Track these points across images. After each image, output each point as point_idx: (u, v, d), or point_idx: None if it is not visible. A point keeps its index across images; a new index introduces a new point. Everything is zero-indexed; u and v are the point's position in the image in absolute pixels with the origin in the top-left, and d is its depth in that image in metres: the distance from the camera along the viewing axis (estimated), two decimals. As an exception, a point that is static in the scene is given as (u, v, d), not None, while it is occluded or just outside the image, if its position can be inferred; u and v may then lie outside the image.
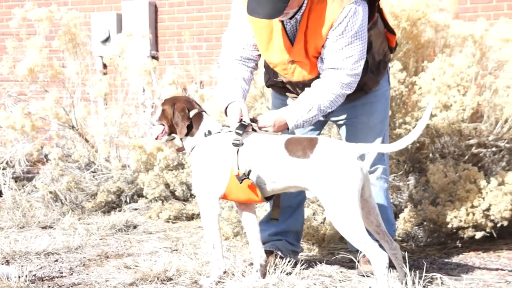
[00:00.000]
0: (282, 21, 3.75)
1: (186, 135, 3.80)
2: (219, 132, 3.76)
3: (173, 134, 3.88)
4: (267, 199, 3.72)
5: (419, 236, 4.80)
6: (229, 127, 3.79)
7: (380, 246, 3.58)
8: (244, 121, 3.70)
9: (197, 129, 3.79)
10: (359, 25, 3.64)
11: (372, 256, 3.38)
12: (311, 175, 3.51)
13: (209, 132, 3.76)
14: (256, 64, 3.97)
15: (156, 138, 3.90)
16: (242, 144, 3.64)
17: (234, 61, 3.89)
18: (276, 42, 3.80)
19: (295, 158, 3.54)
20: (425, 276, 3.65)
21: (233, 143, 3.63)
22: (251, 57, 3.91)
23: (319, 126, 4.18)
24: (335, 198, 3.43)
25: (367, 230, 3.54)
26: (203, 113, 3.84)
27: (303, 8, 3.68)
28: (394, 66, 4.97)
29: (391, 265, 3.68)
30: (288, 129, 3.74)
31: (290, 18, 3.71)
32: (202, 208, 3.74)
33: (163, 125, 3.86)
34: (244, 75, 3.88)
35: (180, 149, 3.91)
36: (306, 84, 3.87)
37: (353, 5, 3.62)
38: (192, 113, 3.81)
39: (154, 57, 7.78)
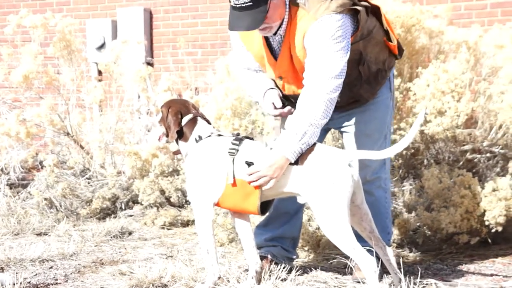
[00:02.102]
0: (267, 39, 3.77)
1: (181, 139, 3.81)
2: (209, 136, 3.76)
3: None
4: (262, 211, 3.71)
5: (414, 242, 4.80)
6: (219, 131, 3.83)
7: (369, 251, 3.58)
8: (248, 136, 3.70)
9: (190, 134, 3.79)
10: (335, 29, 3.58)
11: (361, 262, 3.40)
12: (302, 181, 3.53)
13: (200, 137, 3.76)
14: None
15: (158, 140, 3.93)
16: (237, 151, 3.64)
17: (252, 72, 3.94)
18: (266, 60, 3.84)
19: (290, 165, 3.55)
20: (420, 281, 3.65)
21: (229, 152, 3.64)
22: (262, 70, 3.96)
23: (322, 133, 4.18)
24: (325, 204, 3.45)
25: (361, 236, 3.55)
26: (198, 117, 3.84)
27: (284, 23, 3.69)
28: (389, 73, 4.98)
29: (386, 271, 3.69)
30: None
31: (275, 34, 3.73)
32: (196, 214, 3.74)
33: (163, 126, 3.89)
34: (267, 77, 3.91)
35: (176, 153, 3.91)
36: (298, 97, 3.87)
37: (327, 16, 3.59)
38: (186, 118, 3.81)
39: (149, 64, 7.77)
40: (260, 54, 3.85)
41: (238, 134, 3.78)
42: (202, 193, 3.69)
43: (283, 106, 3.78)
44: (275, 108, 3.77)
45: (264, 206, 3.72)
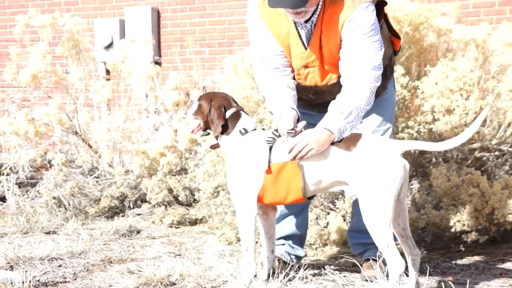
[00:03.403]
0: (296, 27, 3.76)
1: (222, 133, 3.77)
2: (255, 129, 3.72)
3: (208, 130, 3.84)
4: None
5: (422, 240, 4.79)
6: (264, 129, 3.80)
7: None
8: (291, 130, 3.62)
9: (233, 128, 3.75)
10: (373, 19, 3.64)
11: (391, 261, 3.37)
12: (353, 169, 3.46)
13: (245, 130, 3.72)
14: (293, 70, 3.91)
15: (192, 132, 3.90)
16: (275, 140, 3.60)
17: (272, 75, 3.84)
18: (292, 48, 3.81)
19: (338, 150, 3.50)
20: (429, 280, 3.64)
21: (266, 141, 3.61)
22: (286, 63, 3.87)
23: None
24: (373, 194, 3.40)
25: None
26: (241, 112, 3.80)
27: (318, 11, 3.69)
28: (397, 71, 4.97)
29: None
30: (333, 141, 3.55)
31: (306, 22, 3.72)
32: (239, 209, 3.68)
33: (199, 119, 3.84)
34: (288, 83, 3.83)
35: (215, 146, 3.89)
36: (318, 90, 3.87)
37: (364, 4, 3.63)
38: (229, 112, 3.77)
39: (157, 63, 7.79)
40: (286, 44, 3.81)
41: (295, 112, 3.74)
42: (247, 187, 3.64)
43: (293, 129, 3.64)
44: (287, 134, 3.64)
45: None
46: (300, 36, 3.77)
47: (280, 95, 3.77)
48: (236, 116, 3.77)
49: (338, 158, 3.52)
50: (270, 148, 3.59)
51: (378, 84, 3.67)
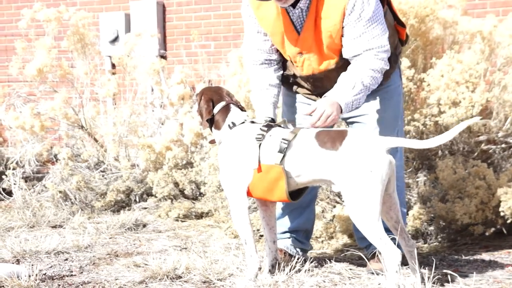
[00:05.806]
0: (287, 12, 3.74)
1: (214, 127, 3.77)
2: (243, 122, 3.72)
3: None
4: (292, 197, 3.65)
5: (429, 233, 4.79)
6: (253, 118, 3.82)
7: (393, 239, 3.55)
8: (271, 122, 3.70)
9: (223, 122, 3.74)
10: (375, 6, 3.63)
11: (386, 253, 3.36)
12: (337, 167, 3.43)
13: (233, 124, 3.72)
14: (281, 61, 3.94)
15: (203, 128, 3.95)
16: (264, 138, 3.59)
17: (259, 67, 3.88)
18: (286, 35, 3.79)
19: (324, 149, 3.47)
20: (435, 273, 3.64)
21: (256, 138, 3.60)
22: (274, 53, 3.89)
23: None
24: (358, 190, 3.37)
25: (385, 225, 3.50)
26: (231, 105, 3.79)
27: None
28: (403, 63, 4.96)
29: (403, 262, 3.66)
30: (341, 112, 3.61)
31: (294, 7, 3.70)
32: (231, 203, 3.68)
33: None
34: (271, 81, 3.87)
35: (212, 141, 3.89)
36: (316, 78, 3.86)
37: None
38: (219, 106, 3.77)
39: (163, 57, 7.79)
40: (278, 31, 3.79)
41: (272, 121, 3.76)
42: (236, 181, 3.63)
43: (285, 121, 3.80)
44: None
45: (296, 193, 3.68)
46: (292, 22, 3.75)
47: (261, 97, 3.87)
48: (226, 109, 3.76)
49: (323, 156, 3.48)
50: (259, 146, 3.59)
51: (387, 67, 3.71)
